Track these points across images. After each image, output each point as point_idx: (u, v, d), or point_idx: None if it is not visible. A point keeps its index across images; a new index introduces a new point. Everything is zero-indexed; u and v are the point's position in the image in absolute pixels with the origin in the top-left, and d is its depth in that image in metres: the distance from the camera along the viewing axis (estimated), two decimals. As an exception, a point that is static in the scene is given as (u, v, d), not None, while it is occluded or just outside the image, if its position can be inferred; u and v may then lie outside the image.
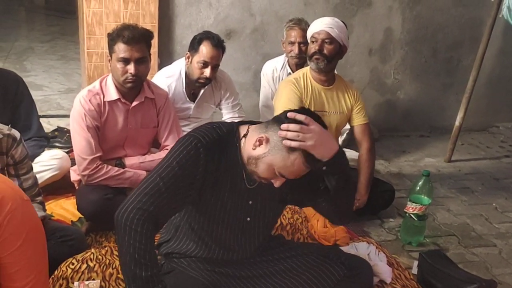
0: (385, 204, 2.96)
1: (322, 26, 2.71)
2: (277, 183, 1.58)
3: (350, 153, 3.37)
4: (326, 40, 2.69)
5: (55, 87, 4.95)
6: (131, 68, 2.34)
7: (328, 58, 2.70)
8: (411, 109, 4.55)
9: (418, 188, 2.64)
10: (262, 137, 1.57)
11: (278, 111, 2.77)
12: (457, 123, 3.89)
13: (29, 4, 9.55)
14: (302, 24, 3.26)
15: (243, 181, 1.68)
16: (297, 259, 1.85)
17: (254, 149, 1.58)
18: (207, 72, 2.81)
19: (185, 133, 2.85)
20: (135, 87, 2.43)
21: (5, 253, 1.37)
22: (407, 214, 2.66)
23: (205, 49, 2.79)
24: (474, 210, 3.20)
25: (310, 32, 2.76)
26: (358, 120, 2.87)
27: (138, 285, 1.52)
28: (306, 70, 2.83)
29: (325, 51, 2.69)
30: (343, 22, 2.79)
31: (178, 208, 1.68)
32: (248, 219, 1.75)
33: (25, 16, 9.14)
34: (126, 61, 2.34)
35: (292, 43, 3.27)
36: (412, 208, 2.63)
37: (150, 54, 2.45)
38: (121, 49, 2.32)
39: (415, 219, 2.63)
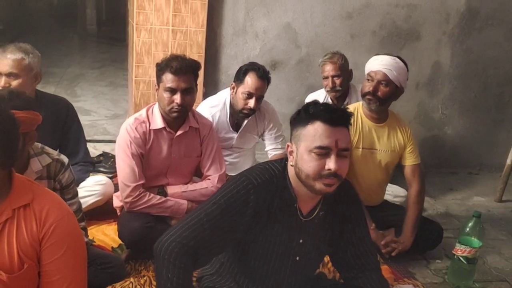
0: (432, 244, 2.83)
1: (380, 66, 2.62)
2: (332, 165, 1.51)
3: (395, 189, 3.29)
4: (382, 82, 2.61)
5: (103, 113, 5.08)
6: (177, 98, 2.36)
7: (381, 101, 2.64)
8: (459, 145, 4.41)
9: (468, 229, 2.52)
10: (287, 145, 1.61)
11: None
12: (508, 161, 3.73)
13: (82, 32, 9.95)
14: (334, 58, 3.25)
15: (297, 215, 1.65)
16: None
17: (292, 164, 1.59)
18: (251, 103, 2.82)
19: (227, 163, 2.88)
20: (181, 117, 2.45)
21: (47, 261, 1.44)
22: (455, 257, 2.53)
23: (250, 80, 2.80)
24: (527, 255, 3.02)
25: (367, 69, 2.69)
26: (410, 160, 2.79)
27: None
28: (359, 105, 2.78)
29: (379, 93, 2.62)
30: (405, 63, 2.70)
31: (222, 247, 1.65)
32: (298, 258, 1.71)
33: (78, 44, 9.53)
34: (173, 91, 2.37)
35: (326, 77, 3.25)
36: (461, 250, 2.50)
37: (196, 85, 2.48)
38: (168, 79, 2.36)
39: (464, 262, 2.50)
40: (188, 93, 2.40)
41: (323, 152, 1.52)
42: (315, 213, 1.68)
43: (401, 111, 4.06)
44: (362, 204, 1.82)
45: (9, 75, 2.42)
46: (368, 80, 2.65)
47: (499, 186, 3.83)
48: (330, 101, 3.35)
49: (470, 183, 4.14)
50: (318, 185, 1.54)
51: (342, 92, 3.28)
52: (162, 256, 1.52)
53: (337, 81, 3.22)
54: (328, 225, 1.72)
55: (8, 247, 1.40)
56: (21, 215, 1.43)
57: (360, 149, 2.72)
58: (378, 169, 2.81)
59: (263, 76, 2.83)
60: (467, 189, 4.02)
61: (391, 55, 2.72)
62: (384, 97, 2.64)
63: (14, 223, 1.42)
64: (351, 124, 1.61)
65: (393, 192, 3.25)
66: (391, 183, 3.28)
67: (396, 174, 3.20)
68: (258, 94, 2.82)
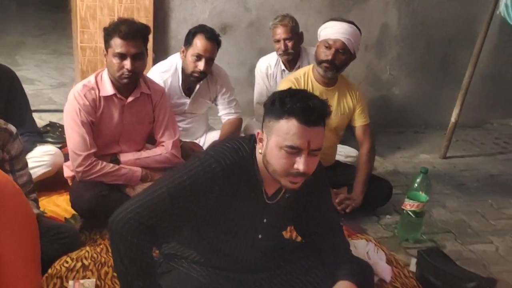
0: (383, 201, 2.94)
1: (339, 34, 2.61)
2: (301, 166, 1.47)
3: (346, 150, 3.37)
4: (340, 50, 2.63)
5: (47, 82, 4.88)
6: (127, 63, 2.30)
7: (338, 68, 2.67)
8: (406, 105, 4.54)
9: (416, 185, 2.63)
10: (258, 133, 1.56)
11: None
12: (452, 119, 3.88)
13: (20, -3, 9.41)
14: (285, 21, 3.23)
15: (263, 197, 1.63)
16: (298, 261, 1.82)
17: (260, 152, 1.55)
18: (201, 65, 2.77)
19: (180, 129, 2.85)
20: (131, 83, 2.39)
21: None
22: (404, 211, 2.65)
23: (199, 42, 2.75)
24: (470, 207, 3.19)
25: (324, 36, 2.67)
26: (360, 121, 2.86)
27: None
28: (309, 69, 2.79)
29: (336, 62, 2.64)
30: (359, 29, 2.71)
31: (182, 226, 1.63)
32: (260, 236, 1.71)
33: (17, 11, 9.01)
34: (122, 56, 2.29)
35: (278, 40, 3.24)
36: (410, 205, 2.61)
37: (146, 49, 2.41)
38: (117, 44, 2.28)
39: (413, 216, 2.62)
40: (139, 58, 2.33)
41: (293, 152, 1.47)
42: (280, 195, 1.67)
43: (351, 73, 4.13)
44: (325, 175, 1.83)
45: None
46: (326, 47, 2.65)
47: (443, 143, 3.99)
48: (282, 64, 3.35)
49: (416, 142, 4.29)
50: (284, 181, 1.52)
51: (294, 55, 3.29)
52: (120, 232, 1.48)
53: (289, 44, 3.22)
54: (293, 205, 1.73)
55: None
56: None
57: None
58: (328, 132, 2.85)
59: (212, 37, 2.78)
60: (414, 147, 4.17)
61: (345, 20, 2.71)
62: (340, 65, 2.67)
63: None
64: (324, 124, 1.52)
65: (345, 153, 3.34)
66: (342, 144, 3.37)
67: (347, 135, 3.28)
68: (208, 56, 2.78)
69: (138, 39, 2.31)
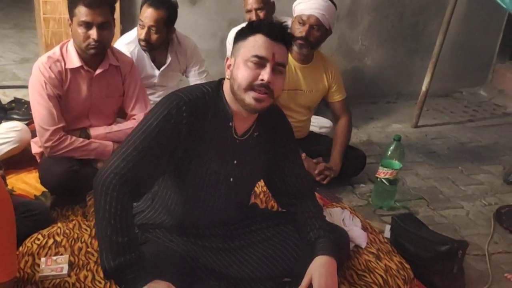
0: (357, 170, 2.96)
1: (313, 10, 2.56)
2: (266, 76, 1.52)
3: (320, 121, 3.37)
4: (315, 26, 2.58)
5: (10, 57, 4.72)
6: (93, 33, 2.21)
7: (313, 45, 2.64)
8: (378, 75, 4.55)
9: (389, 153, 2.65)
10: (226, 59, 1.61)
11: None
12: (423, 88, 3.92)
13: (-23, -31, 8.99)
14: None
15: (232, 134, 1.64)
16: (273, 229, 1.82)
17: (228, 77, 1.58)
18: (142, 34, 2.71)
19: (151, 102, 2.79)
20: (98, 53, 2.30)
21: None
22: (378, 179, 2.67)
23: (144, 12, 2.70)
24: (441, 174, 3.25)
25: (298, 11, 2.61)
26: (336, 97, 2.87)
27: (114, 251, 1.47)
28: None
29: (311, 38, 2.59)
30: (334, 3, 2.66)
31: (161, 171, 1.62)
32: (231, 179, 1.71)
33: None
34: (88, 25, 2.20)
35: (249, 10, 3.19)
36: (384, 173, 2.64)
37: (114, 19, 2.32)
38: (82, 12, 2.18)
39: (387, 183, 2.65)
40: (105, 27, 2.24)
41: (259, 62, 1.52)
42: (250, 133, 1.68)
43: (323, 44, 4.10)
44: (293, 134, 1.84)
45: None
46: (300, 23, 2.60)
47: (415, 112, 4.03)
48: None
49: (388, 112, 4.33)
50: (248, 98, 1.54)
51: None
52: (100, 189, 1.49)
53: (261, 14, 3.16)
54: (262, 147, 1.73)
55: None
56: None
57: (286, 91, 2.73)
58: (302, 107, 2.86)
59: (155, 3, 2.68)
60: (386, 117, 4.20)
61: None
62: (316, 42, 2.64)
63: None
64: (290, 45, 1.61)
65: (319, 124, 3.33)
66: (316, 115, 3.36)
67: (320, 106, 3.27)
68: (148, 23, 2.68)
69: (104, 7, 2.21)
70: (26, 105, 3.34)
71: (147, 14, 2.68)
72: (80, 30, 2.21)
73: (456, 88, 4.92)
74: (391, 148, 2.65)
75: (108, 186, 1.48)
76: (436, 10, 4.34)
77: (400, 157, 2.67)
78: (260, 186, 2.51)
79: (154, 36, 2.73)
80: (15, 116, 3.26)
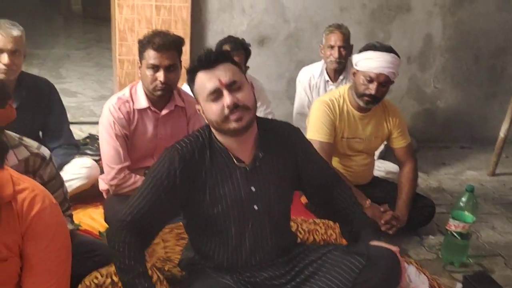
0: (425, 220, 2.79)
1: (383, 68, 2.47)
2: (228, 101, 1.57)
3: (387, 165, 3.25)
4: (384, 83, 2.53)
5: (89, 94, 4.99)
6: (160, 75, 2.28)
7: (379, 100, 2.57)
8: (451, 119, 4.37)
9: (461, 204, 2.48)
10: (198, 110, 1.69)
11: (309, 130, 2.69)
12: (501, 134, 3.69)
13: (67, 12, 9.73)
14: (342, 29, 3.19)
15: (234, 163, 1.68)
16: (321, 259, 1.77)
17: (207, 122, 1.67)
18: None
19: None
20: (165, 95, 2.37)
21: (30, 254, 1.41)
22: (449, 232, 2.50)
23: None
24: (521, 228, 3.01)
25: (365, 67, 2.51)
26: (400, 143, 2.76)
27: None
28: (344, 91, 2.69)
29: (378, 95, 2.53)
30: (398, 55, 2.56)
31: (166, 216, 1.72)
32: (256, 207, 1.70)
33: (63, 24, 9.32)
34: (156, 68, 2.28)
35: (332, 47, 3.17)
36: (455, 225, 2.47)
37: (180, 61, 2.39)
38: (151, 55, 2.27)
39: (458, 237, 2.47)
40: (172, 70, 2.31)
41: (216, 96, 1.59)
42: (253, 157, 1.70)
43: (393, 86, 3.96)
44: (301, 133, 1.86)
45: (13, 52, 2.35)
46: (368, 81, 2.52)
47: (492, 159, 3.80)
48: (326, 75, 3.28)
49: (462, 157, 4.12)
50: (230, 125, 1.60)
51: (343, 65, 3.22)
52: (111, 236, 1.66)
53: (343, 52, 3.15)
54: (273, 166, 1.74)
55: None
56: (2, 210, 1.37)
57: (345, 139, 2.68)
58: (362, 154, 2.78)
59: (237, 47, 2.81)
60: (460, 163, 4.00)
61: (385, 47, 2.54)
62: (382, 97, 2.58)
63: None
64: (228, 59, 1.65)
65: (385, 168, 3.21)
66: (383, 159, 3.25)
67: (388, 150, 3.16)
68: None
69: (171, 51, 2.29)
70: (99, 141, 3.48)
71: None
72: (148, 73, 2.29)
73: (538, 134, 4.61)
74: (463, 199, 2.48)
75: (113, 232, 1.66)
76: (515, 52, 4.14)
77: (474, 209, 2.49)
78: (320, 234, 2.44)
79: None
80: (88, 152, 3.40)
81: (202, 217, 1.70)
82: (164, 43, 2.26)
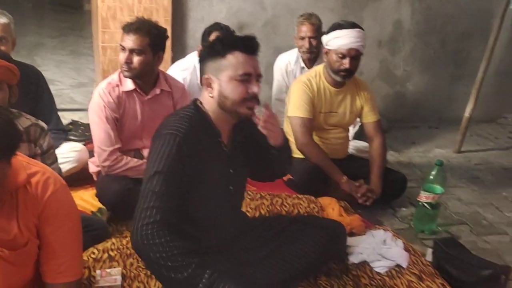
0: (398, 192, 2.99)
1: (351, 43, 2.68)
2: (255, 89, 1.68)
3: (362, 144, 3.42)
4: (355, 57, 2.72)
5: (67, 82, 5.00)
6: (123, 56, 2.38)
7: (354, 72, 2.77)
8: (420, 100, 4.58)
9: (431, 177, 2.68)
10: (205, 78, 1.71)
11: (290, 109, 2.87)
12: (466, 114, 3.92)
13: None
14: (312, 19, 3.30)
15: (222, 147, 1.78)
16: (285, 233, 1.98)
17: (211, 95, 1.71)
18: None
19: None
20: (131, 77, 2.44)
21: (47, 233, 1.48)
22: (420, 203, 2.70)
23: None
24: (484, 200, 3.23)
25: (335, 45, 2.71)
26: (369, 118, 2.96)
27: (195, 283, 1.56)
28: (320, 70, 2.89)
29: (352, 68, 2.74)
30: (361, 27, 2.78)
31: (183, 200, 1.70)
32: (231, 187, 1.84)
33: (33, 12, 9.17)
34: (123, 49, 2.39)
35: (303, 38, 3.30)
36: (426, 197, 2.67)
37: (160, 50, 2.45)
38: (122, 37, 2.38)
39: (428, 208, 2.67)
40: (136, 53, 2.37)
41: (246, 79, 1.67)
42: (233, 141, 1.84)
43: (365, 69, 4.20)
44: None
45: (0, 39, 2.42)
46: (340, 57, 2.71)
47: (457, 138, 4.01)
48: (301, 62, 3.42)
49: (430, 136, 4.33)
50: (242, 109, 1.70)
51: (316, 53, 3.35)
52: (142, 244, 1.57)
53: (314, 42, 3.28)
54: (243, 148, 1.88)
55: (9, 226, 1.42)
56: (19, 194, 1.44)
57: (322, 114, 2.88)
58: (337, 128, 2.97)
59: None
60: (428, 142, 4.20)
61: (351, 24, 2.75)
62: (356, 69, 2.78)
63: (13, 203, 1.44)
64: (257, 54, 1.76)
65: (360, 147, 3.37)
66: (357, 139, 3.42)
67: (362, 130, 3.32)
68: None
69: (139, 35, 2.35)
70: (82, 127, 3.55)
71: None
72: (120, 54, 2.41)
73: (500, 114, 4.88)
74: (433, 172, 2.68)
75: (147, 237, 1.56)
76: (479, 36, 4.36)
77: (442, 182, 2.69)
78: (304, 207, 2.60)
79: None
80: (71, 137, 3.45)
81: (191, 197, 1.73)
82: (132, 27, 2.35)
